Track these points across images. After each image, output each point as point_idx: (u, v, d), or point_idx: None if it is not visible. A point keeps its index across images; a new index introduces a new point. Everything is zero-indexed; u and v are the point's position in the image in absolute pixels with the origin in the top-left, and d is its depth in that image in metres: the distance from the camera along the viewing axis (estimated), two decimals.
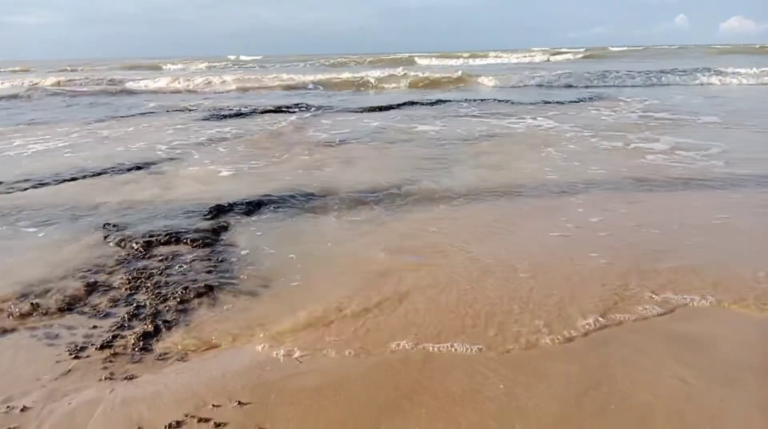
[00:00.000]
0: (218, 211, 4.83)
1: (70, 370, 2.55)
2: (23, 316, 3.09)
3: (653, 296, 2.99)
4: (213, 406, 2.24)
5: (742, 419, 2.06)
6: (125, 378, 2.49)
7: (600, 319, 2.78)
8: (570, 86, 18.44)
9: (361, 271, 3.51)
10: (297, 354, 2.59)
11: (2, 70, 43.33)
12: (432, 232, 4.16)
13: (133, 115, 12.56)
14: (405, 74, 21.69)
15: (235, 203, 4.98)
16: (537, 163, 6.48)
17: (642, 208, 4.62)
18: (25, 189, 5.84)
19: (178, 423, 2.15)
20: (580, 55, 42.51)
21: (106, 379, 2.48)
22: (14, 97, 17.84)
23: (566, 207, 4.70)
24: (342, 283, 3.34)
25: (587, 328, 2.70)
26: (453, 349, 2.57)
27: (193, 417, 2.18)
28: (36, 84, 22.22)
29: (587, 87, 18.06)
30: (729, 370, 2.35)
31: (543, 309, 2.90)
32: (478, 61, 41.70)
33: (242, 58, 59.91)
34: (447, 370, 2.42)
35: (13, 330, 2.95)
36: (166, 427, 2.13)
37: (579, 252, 3.67)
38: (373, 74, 21.91)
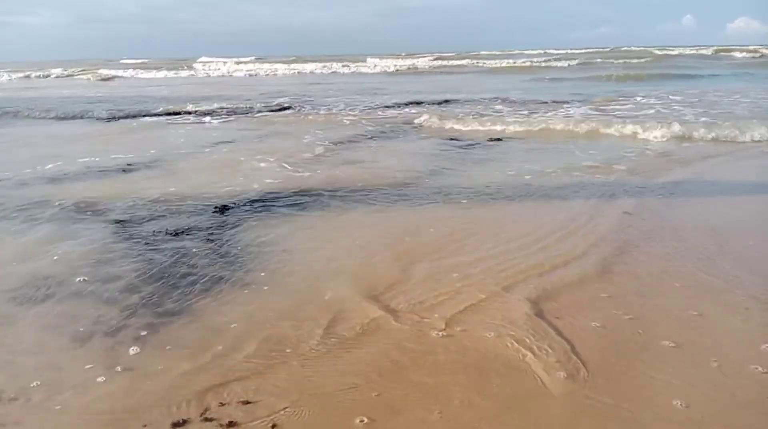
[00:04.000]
0: None
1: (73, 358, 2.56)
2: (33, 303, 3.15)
3: None
4: (220, 404, 2.23)
5: None
6: (127, 369, 2.49)
7: None
8: None
9: None
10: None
11: None
12: None
13: None
14: None
15: None
16: None
17: None
18: None
19: (185, 421, 2.14)
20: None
21: (107, 368, 2.49)
22: None
23: None
24: None
25: None
26: None
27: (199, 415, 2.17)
28: None
29: None
30: None
31: None
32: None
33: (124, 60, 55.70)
34: None
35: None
36: (171, 424, 2.12)
37: None
38: None
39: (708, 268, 3.41)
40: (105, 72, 35.19)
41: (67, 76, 33.97)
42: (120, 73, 34.80)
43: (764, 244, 3.94)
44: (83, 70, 37.24)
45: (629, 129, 8.42)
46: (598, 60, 34.45)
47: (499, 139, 8.38)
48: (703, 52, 41.34)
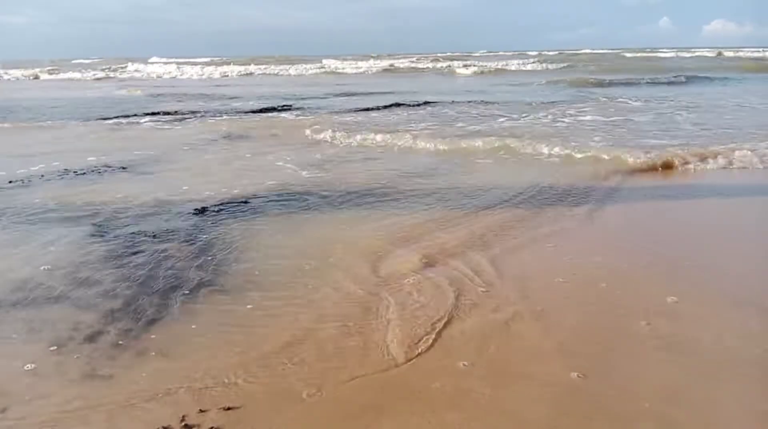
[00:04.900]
0: None
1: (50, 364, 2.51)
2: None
3: None
4: (200, 411, 2.20)
5: None
6: (106, 375, 2.45)
7: None
8: None
9: None
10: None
11: None
12: None
13: None
14: None
15: None
16: None
17: None
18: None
19: (164, 428, 2.11)
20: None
21: (86, 375, 2.45)
22: None
23: None
24: None
25: None
26: None
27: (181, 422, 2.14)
28: None
29: None
30: None
31: None
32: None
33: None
34: None
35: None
36: None
37: None
38: None
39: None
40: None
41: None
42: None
43: None
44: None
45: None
46: (579, 63, 34.91)
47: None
48: (708, 54, 41.16)
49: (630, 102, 13.42)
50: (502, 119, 10.73)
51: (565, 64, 33.93)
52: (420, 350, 2.61)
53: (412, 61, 42.51)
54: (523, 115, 11.23)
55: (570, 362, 2.49)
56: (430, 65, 38.11)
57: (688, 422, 2.10)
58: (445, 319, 2.89)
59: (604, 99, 14.24)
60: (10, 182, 6.07)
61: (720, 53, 41.47)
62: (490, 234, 4.17)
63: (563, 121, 10.26)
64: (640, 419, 2.12)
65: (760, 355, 2.55)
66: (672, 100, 13.56)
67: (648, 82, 20.18)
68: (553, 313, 2.97)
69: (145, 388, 2.34)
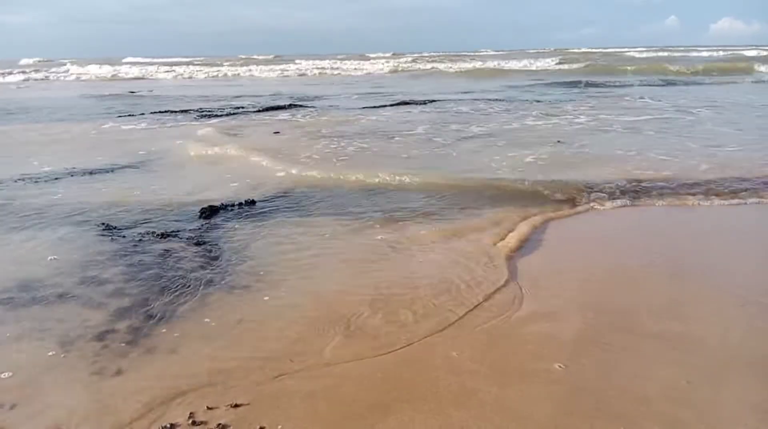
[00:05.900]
0: None
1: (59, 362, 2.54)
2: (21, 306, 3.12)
3: None
4: (208, 408, 2.22)
5: None
6: (115, 372, 2.47)
7: None
8: None
9: None
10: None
11: None
12: None
13: None
14: None
15: None
16: None
17: None
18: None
19: (173, 425, 2.13)
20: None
21: (95, 372, 2.47)
22: None
23: None
24: None
25: None
26: None
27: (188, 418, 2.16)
28: None
29: None
30: None
31: None
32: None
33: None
34: None
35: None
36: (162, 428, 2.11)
37: None
38: None
39: None
40: None
41: None
42: None
43: None
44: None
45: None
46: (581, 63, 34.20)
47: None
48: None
49: None
50: (529, 119, 10.40)
51: (584, 64, 32.15)
52: (426, 349, 2.63)
53: (413, 61, 42.20)
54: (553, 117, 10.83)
55: (575, 362, 2.50)
56: (433, 65, 37.81)
57: (692, 421, 2.10)
58: (451, 319, 2.91)
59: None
60: (17, 181, 6.11)
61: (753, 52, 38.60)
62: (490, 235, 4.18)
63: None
64: (645, 418, 2.12)
65: (765, 354, 2.56)
66: None
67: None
68: (558, 312, 2.98)
69: (154, 385, 2.37)
